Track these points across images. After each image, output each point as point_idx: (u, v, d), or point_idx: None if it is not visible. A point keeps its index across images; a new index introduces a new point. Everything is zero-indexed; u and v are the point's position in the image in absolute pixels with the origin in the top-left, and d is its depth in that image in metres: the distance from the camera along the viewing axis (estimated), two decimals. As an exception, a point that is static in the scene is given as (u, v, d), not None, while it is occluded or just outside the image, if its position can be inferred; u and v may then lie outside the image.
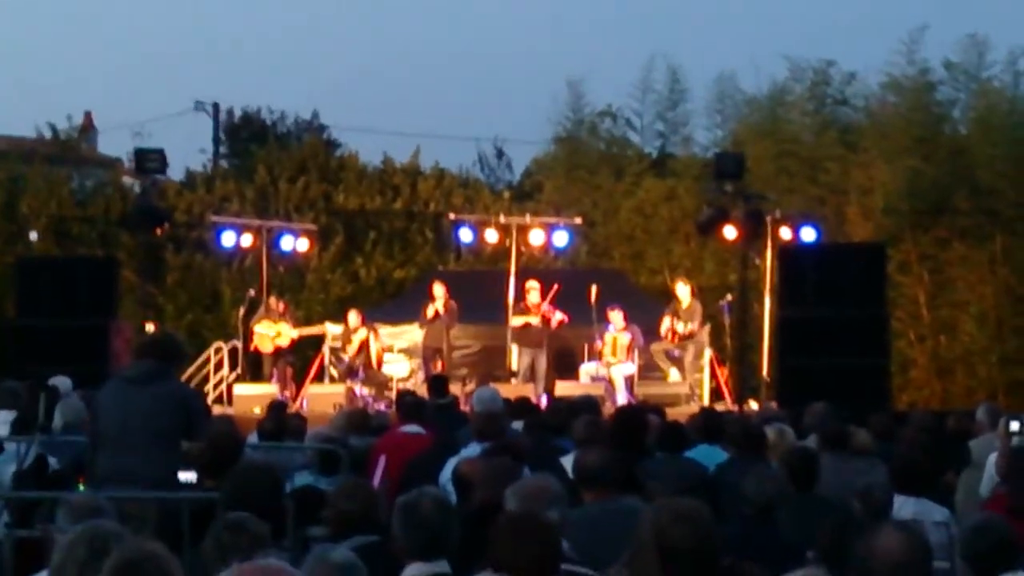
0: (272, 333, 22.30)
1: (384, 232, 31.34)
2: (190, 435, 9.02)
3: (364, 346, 22.16)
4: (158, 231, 22.76)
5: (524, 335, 21.97)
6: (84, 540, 5.16)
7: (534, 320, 21.84)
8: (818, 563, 6.22)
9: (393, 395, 20.81)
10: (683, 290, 22.23)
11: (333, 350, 23.17)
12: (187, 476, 8.89)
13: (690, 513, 5.42)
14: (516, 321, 22.10)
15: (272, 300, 22.85)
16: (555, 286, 21.85)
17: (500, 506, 6.57)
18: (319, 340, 23.87)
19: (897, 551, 5.09)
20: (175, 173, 31.61)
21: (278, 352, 22.42)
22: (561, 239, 24.01)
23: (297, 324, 22.96)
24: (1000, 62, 28.70)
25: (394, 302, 27.09)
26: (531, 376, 21.73)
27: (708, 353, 22.74)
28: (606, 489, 7.54)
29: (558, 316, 21.75)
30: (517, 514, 5.89)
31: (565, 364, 22.32)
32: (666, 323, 21.92)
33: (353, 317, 22.54)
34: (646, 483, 8.15)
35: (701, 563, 5.37)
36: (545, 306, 21.75)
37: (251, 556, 5.10)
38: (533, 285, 22.10)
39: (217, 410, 19.47)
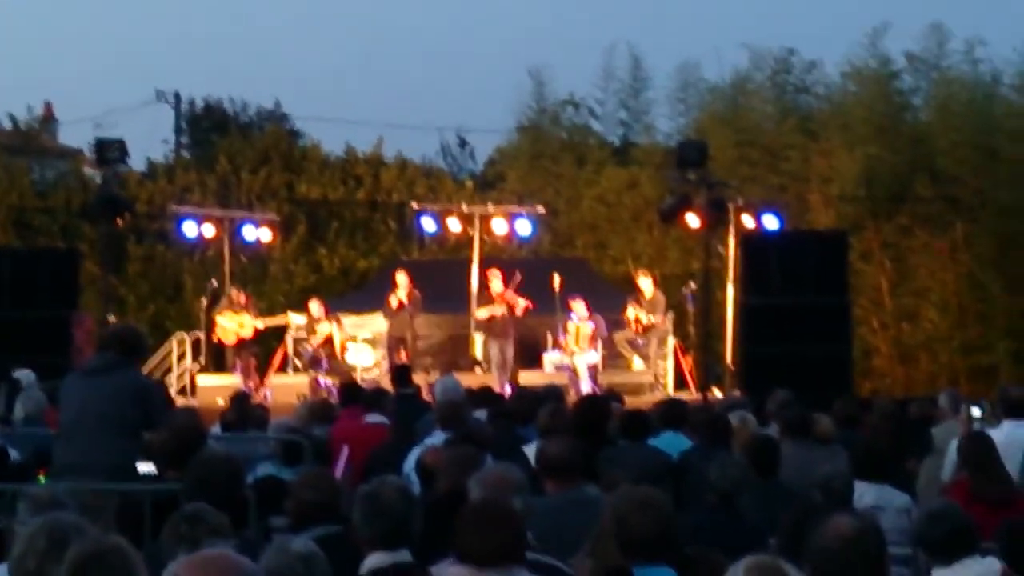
0: (234, 325, 22.22)
1: (347, 222, 31.30)
2: (150, 426, 9.00)
3: (328, 337, 22.11)
4: (119, 222, 22.61)
5: (491, 326, 21.94)
6: (44, 532, 5.13)
7: (499, 311, 21.80)
8: (779, 551, 6.24)
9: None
10: (645, 282, 22.26)
11: (297, 340, 23.13)
12: (146, 468, 8.86)
13: (650, 501, 5.43)
14: (482, 313, 22.06)
15: (234, 292, 22.76)
16: (516, 275, 21.82)
17: (464, 495, 6.57)
18: (282, 331, 23.81)
19: (848, 534, 5.10)
20: (136, 163, 31.49)
21: (241, 343, 22.34)
22: (524, 228, 24.02)
23: (259, 315, 22.86)
24: (959, 51, 28.86)
25: (357, 292, 27.07)
26: (501, 364, 21.70)
27: (672, 341, 22.79)
28: (568, 478, 7.54)
29: (522, 303, 21.72)
30: (482, 502, 5.88)
31: (529, 353, 22.33)
32: (630, 311, 21.95)
33: (315, 307, 22.47)
34: (605, 471, 8.16)
35: (661, 550, 5.38)
36: (508, 293, 21.72)
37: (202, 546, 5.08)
38: (495, 274, 22.09)
39: (180, 401, 19.44)
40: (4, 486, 8.53)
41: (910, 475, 10.83)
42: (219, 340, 22.59)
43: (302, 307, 23.86)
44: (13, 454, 10.12)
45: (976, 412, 12.06)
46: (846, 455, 9.79)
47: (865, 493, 8.80)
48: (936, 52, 28.99)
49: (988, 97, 28.91)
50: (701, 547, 5.72)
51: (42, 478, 9.27)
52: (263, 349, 23.49)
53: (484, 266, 23.12)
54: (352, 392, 13.54)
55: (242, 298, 22.60)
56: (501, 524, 5.55)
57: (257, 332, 22.43)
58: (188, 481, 6.87)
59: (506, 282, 21.86)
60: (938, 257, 27.17)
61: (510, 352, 21.82)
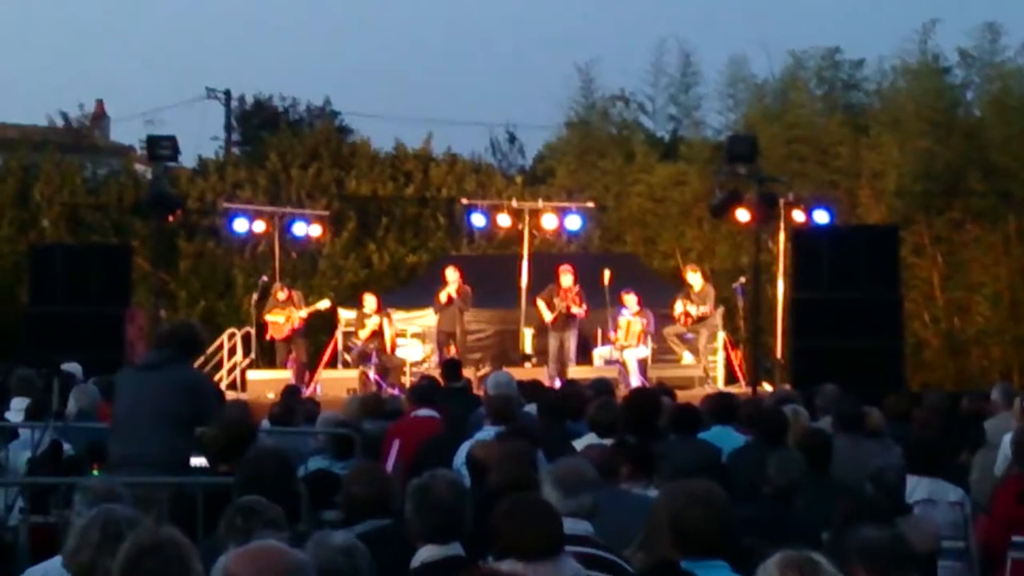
0: (283, 319, 22.30)
1: (396, 218, 31.34)
2: (201, 420, 9.06)
3: (378, 331, 22.15)
4: (171, 218, 22.72)
5: (555, 321, 21.82)
6: (97, 524, 5.18)
7: (550, 315, 21.66)
8: (831, 545, 6.22)
9: (407, 379, 20.82)
10: (694, 277, 22.19)
11: (346, 335, 23.19)
12: (198, 461, 8.92)
13: (704, 495, 5.42)
14: (546, 314, 21.82)
15: (279, 291, 22.75)
16: (579, 285, 21.70)
17: (516, 489, 6.57)
18: (332, 325, 23.88)
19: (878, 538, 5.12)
20: (187, 160, 31.69)
21: (292, 336, 22.40)
22: (574, 223, 24.00)
23: (303, 305, 22.84)
24: (1014, 46, 28.65)
25: (407, 287, 27.10)
26: (559, 357, 21.63)
27: (721, 336, 22.76)
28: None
29: (579, 309, 21.57)
30: (519, 497, 5.89)
31: (579, 348, 22.28)
32: (679, 306, 21.90)
33: (369, 301, 22.48)
34: (658, 464, 8.15)
35: (716, 544, 5.37)
36: (573, 292, 21.57)
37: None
38: (567, 269, 21.89)
39: (231, 396, 19.50)
40: (59, 479, 8.61)
41: (963, 469, 10.76)
42: (272, 337, 22.67)
43: (352, 303, 23.94)
44: (67, 448, 10.19)
45: (1029, 405, 11.98)
46: (898, 449, 9.76)
47: (917, 487, 8.77)
48: (989, 49, 28.80)
49: (1041, 91, 28.68)
50: (754, 540, 5.70)
51: (96, 472, 9.34)
52: (313, 343, 23.56)
53: (534, 261, 23.09)
54: (427, 392, 12.79)
55: (285, 294, 22.62)
56: (538, 519, 5.57)
57: (303, 321, 22.45)
58: (240, 475, 6.90)
59: (576, 281, 21.73)
60: (990, 251, 26.98)
61: (571, 343, 21.73)
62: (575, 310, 21.55)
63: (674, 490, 5.56)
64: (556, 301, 21.68)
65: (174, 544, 4.51)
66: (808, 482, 8.17)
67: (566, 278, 21.75)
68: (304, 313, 22.40)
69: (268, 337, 22.76)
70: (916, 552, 5.47)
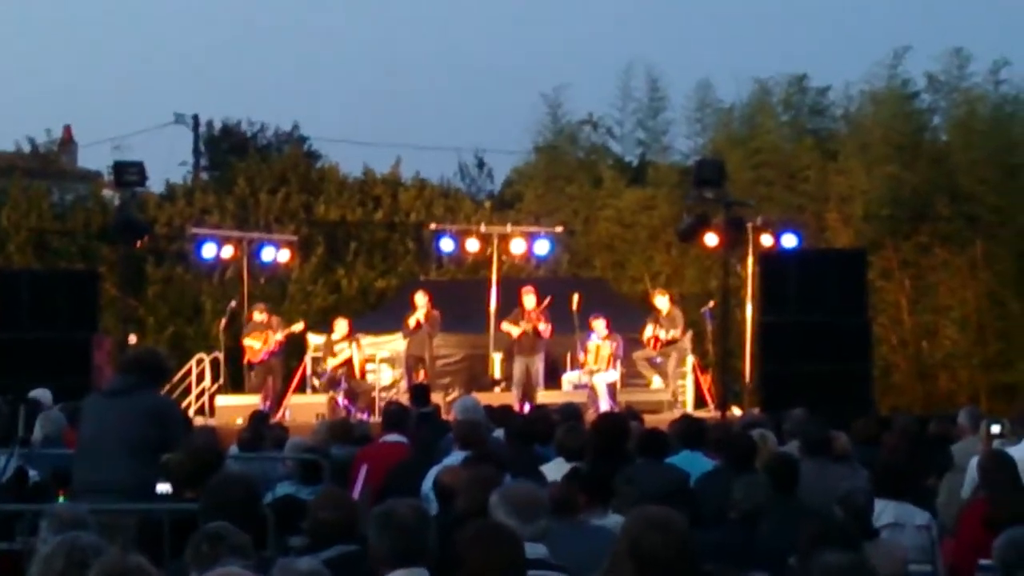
0: (259, 344, 22.22)
1: (365, 242, 31.34)
2: (168, 446, 9.02)
3: (348, 358, 22.11)
4: (138, 244, 22.70)
5: (519, 343, 21.89)
6: (62, 552, 5.15)
7: (516, 330, 21.80)
8: (798, 570, 6.23)
9: (377, 404, 20.79)
10: (661, 300, 22.28)
11: (315, 360, 23.14)
12: (163, 488, 8.87)
13: (665, 521, 5.41)
14: (513, 330, 21.95)
15: (256, 313, 22.66)
16: (548, 298, 21.82)
17: (482, 514, 6.57)
18: (301, 350, 23.83)
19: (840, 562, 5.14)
20: (155, 186, 31.61)
21: (268, 359, 22.29)
22: (542, 248, 24.03)
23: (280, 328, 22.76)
24: (981, 73, 28.84)
25: (376, 312, 27.10)
26: (524, 381, 21.67)
27: (690, 360, 22.81)
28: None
29: (543, 326, 21.67)
30: (482, 523, 5.89)
31: (548, 373, 22.29)
32: (648, 330, 21.95)
33: (341, 325, 22.46)
34: (622, 490, 8.15)
35: (677, 571, 5.37)
36: (537, 313, 21.67)
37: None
38: (529, 290, 22.03)
39: (199, 421, 19.42)
40: (24, 506, 8.55)
41: (930, 492, 10.80)
42: (248, 360, 22.57)
43: (321, 328, 23.89)
44: (32, 474, 10.13)
45: (996, 429, 12.02)
46: (865, 472, 9.78)
47: (885, 511, 8.79)
48: (957, 74, 28.97)
49: (1009, 116, 28.85)
50: (719, 565, 5.71)
51: (61, 498, 9.28)
52: (282, 369, 23.50)
53: (503, 286, 23.11)
54: (396, 418, 12.53)
55: (263, 316, 22.54)
56: (500, 546, 5.56)
57: (279, 344, 22.38)
58: (205, 501, 6.88)
59: (539, 302, 21.82)
60: (957, 275, 27.10)
61: (537, 367, 21.78)
62: (542, 327, 21.60)
63: (635, 516, 5.56)
64: (522, 323, 21.75)
65: (139, 571, 4.51)
66: (774, 506, 8.18)
67: (529, 299, 21.85)
68: (280, 336, 22.34)
69: (246, 361, 22.67)
70: (879, 576, 5.48)
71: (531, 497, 6.55)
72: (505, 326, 22.08)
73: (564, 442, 9.85)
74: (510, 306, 22.34)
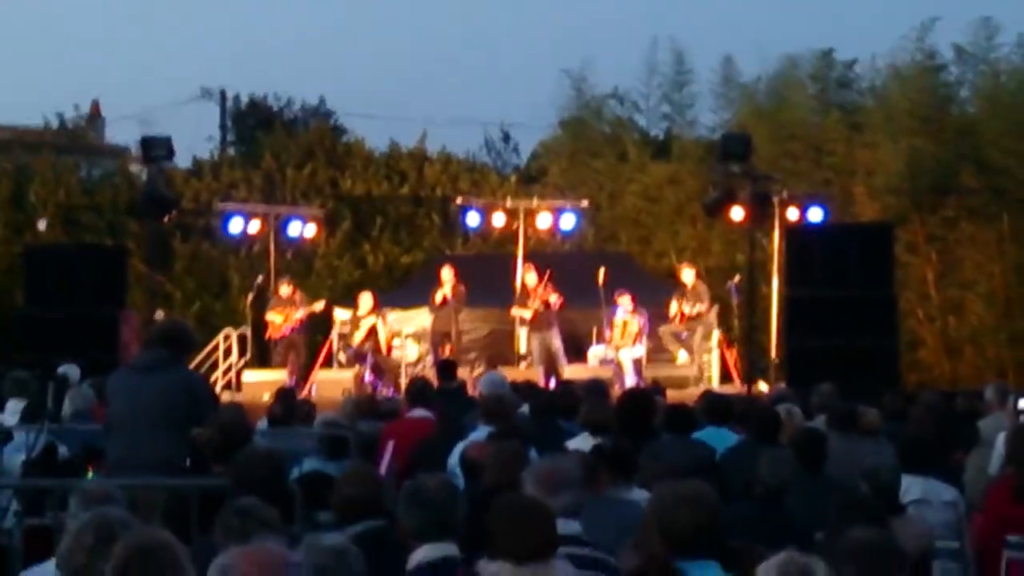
0: (281, 319, 22.27)
1: (391, 217, 31.33)
2: (196, 421, 9.07)
3: (373, 331, 22.15)
4: (166, 219, 22.77)
5: (532, 321, 21.94)
6: (91, 527, 5.18)
7: (527, 313, 21.81)
8: (825, 545, 6.24)
9: (403, 380, 20.83)
10: (688, 274, 22.27)
11: (342, 336, 23.19)
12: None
13: (694, 495, 5.44)
14: (524, 314, 21.99)
15: (283, 286, 22.72)
16: (547, 270, 21.84)
17: (508, 488, 6.59)
18: (328, 326, 23.87)
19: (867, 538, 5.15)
20: (182, 161, 31.62)
21: (289, 336, 22.34)
22: (568, 222, 24.01)
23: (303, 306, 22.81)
24: (1010, 43, 28.65)
25: (402, 287, 27.10)
26: (546, 358, 21.68)
27: (716, 334, 22.77)
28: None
29: (554, 298, 21.67)
30: (513, 497, 5.91)
31: (574, 348, 22.30)
32: (674, 306, 21.94)
33: (366, 300, 22.48)
34: (648, 465, 8.16)
35: (705, 545, 5.39)
36: (541, 289, 21.70)
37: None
38: (528, 268, 22.15)
39: (226, 397, 19.49)
40: (54, 482, 8.60)
41: (957, 468, 10.78)
42: (270, 336, 22.64)
43: (347, 302, 23.92)
44: (62, 450, 10.19)
45: (1023, 404, 12.00)
46: (892, 447, 9.77)
47: (911, 487, 8.77)
48: (984, 46, 28.80)
49: (1035, 87, 28.68)
50: (745, 540, 5.72)
51: (91, 474, 9.34)
52: (308, 344, 23.55)
53: (528, 261, 23.12)
54: (420, 393, 12.66)
55: (288, 289, 22.60)
56: (535, 520, 5.58)
57: (300, 322, 22.42)
58: (231, 477, 6.92)
59: (540, 277, 21.84)
60: (984, 249, 26.98)
61: (556, 344, 21.77)
62: (552, 299, 21.59)
63: (663, 491, 5.58)
64: (529, 303, 21.77)
65: (166, 547, 4.53)
66: (801, 481, 8.18)
67: (530, 277, 21.92)
68: (302, 314, 22.37)
69: (267, 336, 22.73)
70: (906, 552, 5.48)
71: (560, 472, 6.56)
72: (515, 311, 22.13)
73: (590, 417, 9.87)
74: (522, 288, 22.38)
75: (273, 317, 22.37)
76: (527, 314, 21.86)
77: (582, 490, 6.59)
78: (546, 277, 21.78)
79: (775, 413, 10.27)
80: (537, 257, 23.45)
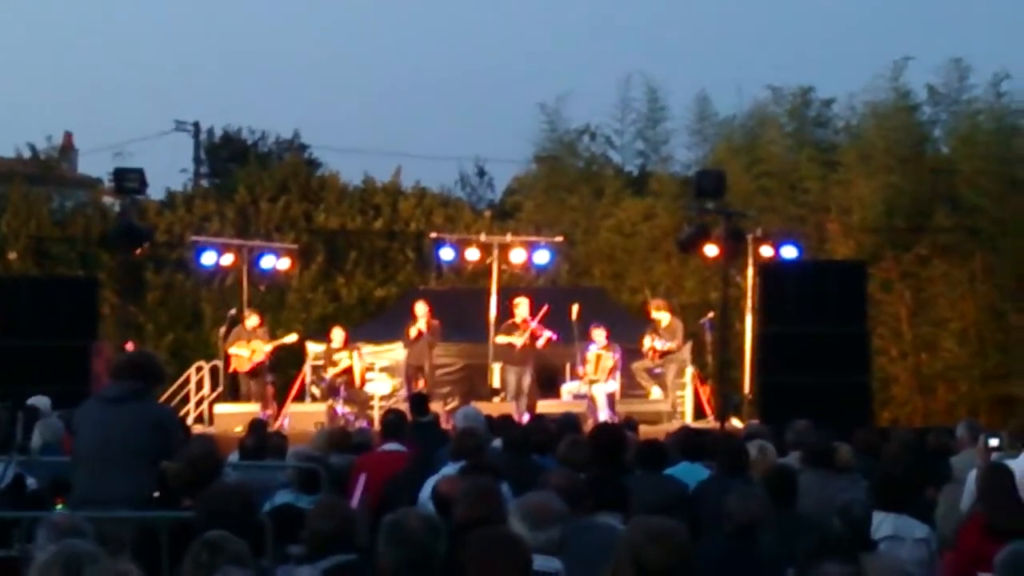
0: (247, 352, 22.22)
1: (365, 251, 31.32)
2: (166, 454, 8.98)
3: (348, 367, 22.10)
4: (138, 251, 22.69)
5: (511, 354, 21.91)
6: (59, 561, 5.13)
7: (518, 340, 21.80)
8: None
9: (376, 413, 20.77)
10: (659, 314, 22.24)
11: (315, 368, 23.14)
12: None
13: (665, 532, 5.40)
14: (501, 340, 22.03)
15: (248, 316, 22.67)
16: (544, 307, 21.86)
17: (481, 523, 6.54)
18: (300, 359, 23.81)
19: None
20: (155, 193, 31.65)
21: (255, 370, 22.30)
22: (542, 257, 24.02)
23: (271, 339, 22.75)
24: (982, 85, 28.84)
25: (376, 321, 27.06)
26: (517, 393, 21.68)
27: (690, 370, 22.79)
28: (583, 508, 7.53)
29: (546, 335, 21.70)
30: (488, 531, 5.86)
31: (547, 382, 22.29)
32: (647, 341, 21.94)
33: (337, 335, 22.47)
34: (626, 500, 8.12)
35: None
36: (534, 323, 21.72)
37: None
38: (521, 300, 22.10)
39: (198, 429, 19.42)
40: (22, 513, 8.53)
41: (929, 505, 10.77)
42: (235, 370, 22.57)
43: (320, 336, 23.88)
44: (30, 482, 10.12)
45: (994, 442, 11.98)
46: (865, 484, 9.76)
47: (883, 523, 8.76)
48: (957, 86, 28.99)
49: (1010, 128, 28.84)
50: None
51: (59, 506, 9.26)
52: (281, 377, 23.49)
53: (504, 295, 23.09)
54: (394, 426, 12.76)
55: (255, 320, 22.54)
56: (511, 555, 5.54)
57: (268, 356, 22.39)
58: (201, 510, 6.87)
59: (533, 311, 21.85)
60: (957, 287, 27.09)
61: (527, 380, 21.81)
62: (541, 341, 21.61)
63: (635, 527, 5.54)
64: (516, 333, 21.76)
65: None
66: (773, 518, 8.16)
67: (522, 309, 21.87)
68: (268, 348, 22.32)
69: (231, 370, 22.66)
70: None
71: (546, 506, 6.51)
72: (503, 339, 22.06)
73: (568, 456, 9.79)
74: (510, 316, 22.33)
75: (237, 350, 22.30)
76: (518, 342, 21.80)
77: (567, 526, 6.54)
78: (541, 314, 21.77)
79: (742, 446, 10.26)
80: (511, 292, 23.43)
